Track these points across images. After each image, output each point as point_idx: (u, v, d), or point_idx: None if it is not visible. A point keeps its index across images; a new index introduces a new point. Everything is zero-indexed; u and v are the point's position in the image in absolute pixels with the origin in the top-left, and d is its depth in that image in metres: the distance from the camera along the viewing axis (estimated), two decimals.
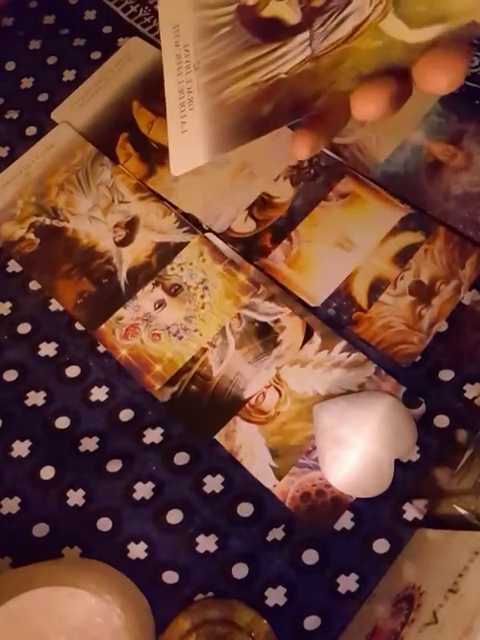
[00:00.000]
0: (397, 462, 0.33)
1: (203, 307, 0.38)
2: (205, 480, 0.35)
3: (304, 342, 0.37)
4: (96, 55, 0.46)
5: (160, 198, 0.41)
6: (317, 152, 0.24)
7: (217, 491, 0.34)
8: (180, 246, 0.39)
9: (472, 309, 0.37)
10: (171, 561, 0.33)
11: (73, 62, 0.46)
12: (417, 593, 0.28)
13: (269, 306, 0.38)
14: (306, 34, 0.22)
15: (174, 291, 0.38)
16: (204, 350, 0.37)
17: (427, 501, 0.33)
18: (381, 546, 0.33)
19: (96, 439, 0.36)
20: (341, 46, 0.21)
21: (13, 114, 0.45)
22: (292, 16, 0.22)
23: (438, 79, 0.20)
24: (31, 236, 0.41)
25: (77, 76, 0.45)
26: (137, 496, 0.35)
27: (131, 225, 0.40)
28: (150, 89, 0.44)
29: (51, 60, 0.46)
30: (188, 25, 0.24)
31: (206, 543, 0.34)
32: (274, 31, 0.23)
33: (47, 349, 0.38)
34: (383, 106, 0.21)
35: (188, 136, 0.24)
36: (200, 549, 0.34)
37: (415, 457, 0.34)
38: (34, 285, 0.40)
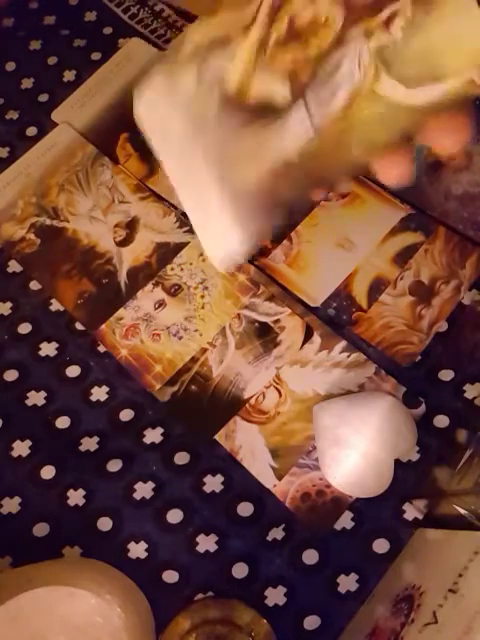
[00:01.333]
0: (397, 462, 0.33)
1: (203, 307, 0.38)
2: (205, 480, 0.35)
3: (304, 342, 0.37)
4: (96, 56, 0.46)
5: (160, 198, 0.41)
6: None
7: (217, 491, 0.34)
8: (180, 246, 0.39)
9: (472, 309, 0.37)
10: (171, 561, 0.33)
11: (73, 63, 0.46)
12: (417, 593, 0.28)
13: (269, 306, 0.38)
14: (302, 110, 0.21)
15: (174, 291, 0.38)
16: (204, 350, 0.37)
17: (427, 501, 0.33)
18: (381, 546, 0.33)
19: (96, 439, 0.36)
20: (342, 116, 0.20)
21: (13, 114, 0.45)
22: (282, 93, 0.21)
23: (447, 142, 0.20)
24: (31, 236, 0.41)
25: (77, 77, 0.45)
26: (137, 496, 0.35)
27: (131, 225, 0.40)
28: None
29: (51, 61, 0.46)
30: (180, 125, 0.23)
31: (206, 543, 0.34)
32: (268, 112, 0.22)
33: (47, 349, 0.38)
34: (408, 170, 0.21)
35: (217, 229, 0.23)
36: (200, 549, 0.34)
37: (415, 457, 0.34)
38: (34, 285, 0.40)
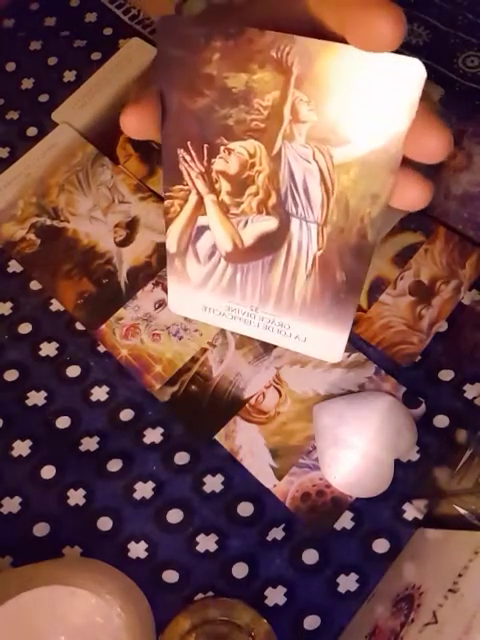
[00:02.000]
0: (397, 462, 0.33)
1: None
2: (205, 480, 0.35)
3: None
4: (96, 56, 0.46)
5: (160, 198, 0.41)
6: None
7: (217, 491, 0.35)
8: None
9: (472, 309, 0.37)
10: (171, 561, 0.33)
11: (74, 63, 0.46)
12: (417, 593, 0.28)
13: None
14: (296, 221, 0.22)
15: None
16: (204, 350, 0.37)
17: (427, 501, 0.33)
18: (381, 546, 0.33)
19: (96, 439, 0.36)
20: (330, 201, 0.22)
21: (14, 115, 0.45)
22: (268, 224, 0.23)
23: (432, 148, 0.21)
24: (32, 236, 0.41)
25: (78, 77, 0.45)
26: (137, 496, 0.35)
27: (131, 225, 0.40)
28: None
29: (52, 61, 0.46)
30: (214, 300, 0.26)
31: (206, 543, 0.34)
32: (271, 244, 0.23)
33: (47, 349, 0.38)
34: (427, 190, 0.22)
35: (314, 339, 0.26)
36: (200, 549, 0.34)
37: (415, 457, 0.34)
38: (35, 285, 0.40)
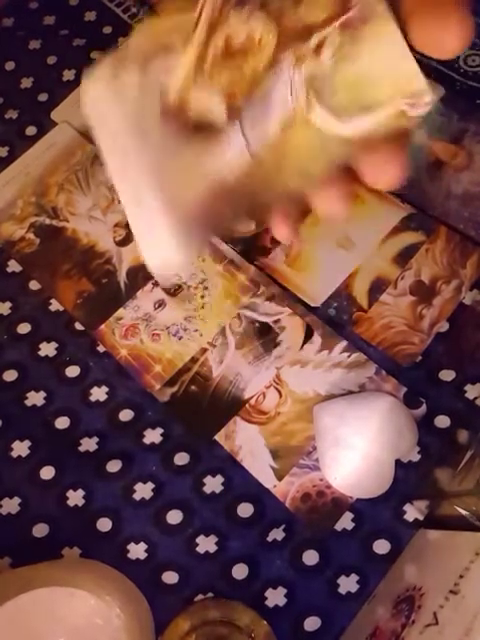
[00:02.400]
0: (398, 462, 0.33)
1: (203, 307, 0.38)
2: (205, 480, 0.35)
3: (304, 342, 0.37)
4: (96, 55, 0.46)
5: None
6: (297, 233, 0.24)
7: (217, 491, 0.34)
8: None
9: (473, 309, 0.37)
10: (171, 561, 0.33)
11: (73, 62, 0.46)
12: (418, 594, 0.28)
13: (269, 306, 0.37)
14: (238, 131, 0.21)
15: (174, 291, 0.38)
16: (204, 350, 0.37)
17: (428, 502, 0.33)
18: (382, 547, 0.33)
19: (96, 439, 0.36)
20: (276, 142, 0.20)
21: (13, 114, 0.45)
22: (218, 111, 0.21)
23: (381, 178, 0.20)
24: (31, 236, 0.40)
25: (77, 76, 0.45)
26: (137, 496, 0.35)
27: None
28: None
29: (51, 60, 0.46)
30: (123, 129, 0.23)
31: (206, 544, 0.33)
32: (205, 128, 0.22)
33: (47, 349, 0.38)
34: (345, 206, 0.21)
35: (157, 237, 0.23)
36: (200, 549, 0.33)
37: (416, 458, 0.34)
38: (34, 285, 0.40)
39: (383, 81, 0.18)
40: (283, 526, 0.34)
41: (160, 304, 0.38)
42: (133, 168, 0.23)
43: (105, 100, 0.23)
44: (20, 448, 0.36)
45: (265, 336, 0.37)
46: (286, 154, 0.20)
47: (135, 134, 0.23)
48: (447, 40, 0.17)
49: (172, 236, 0.22)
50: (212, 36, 0.20)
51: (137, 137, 0.22)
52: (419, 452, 0.34)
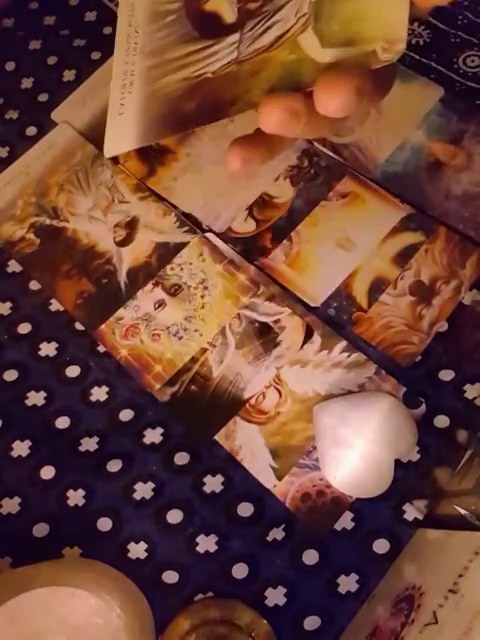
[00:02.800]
0: (397, 462, 0.33)
1: (203, 307, 0.38)
2: (205, 480, 0.35)
3: (304, 342, 0.37)
4: (96, 55, 0.46)
5: (160, 198, 0.41)
6: (251, 167, 0.24)
7: (217, 491, 0.34)
8: (180, 246, 0.39)
9: (472, 309, 0.37)
10: (171, 561, 0.33)
11: (73, 62, 0.46)
12: (417, 593, 0.28)
13: (269, 306, 0.38)
14: (237, 36, 0.22)
15: (174, 291, 0.38)
16: (204, 350, 0.37)
17: (427, 501, 0.33)
18: (381, 546, 0.33)
19: (96, 439, 0.36)
20: (262, 54, 0.21)
21: (13, 114, 0.45)
22: (229, 14, 0.23)
23: (327, 102, 0.20)
24: (31, 236, 0.41)
25: (77, 76, 0.45)
26: (137, 496, 0.35)
27: (131, 225, 0.40)
28: None
29: (51, 60, 0.46)
30: (142, 6, 0.25)
31: (206, 543, 0.34)
32: (211, 27, 0.23)
33: (47, 349, 0.38)
34: (284, 121, 0.21)
35: (124, 119, 0.24)
36: (200, 549, 0.33)
37: (415, 457, 0.34)
38: (34, 285, 0.40)
39: (373, 20, 0.20)
40: (283, 526, 0.34)
41: (160, 304, 0.38)
42: (135, 49, 0.24)
43: None
44: (20, 448, 0.36)
45: (265, 336, 0.37)
46: (264, 67, 0.21)
47: (154, 11, 0.24)
48: None
49: (135, 127, 0.23)
50: None
51: (154, 15, 0.24)
52: (419, 452, 0.34)
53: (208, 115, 0.22)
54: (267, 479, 0.34)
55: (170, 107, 0.23)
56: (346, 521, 0.33)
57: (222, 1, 0.23)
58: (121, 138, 0.24)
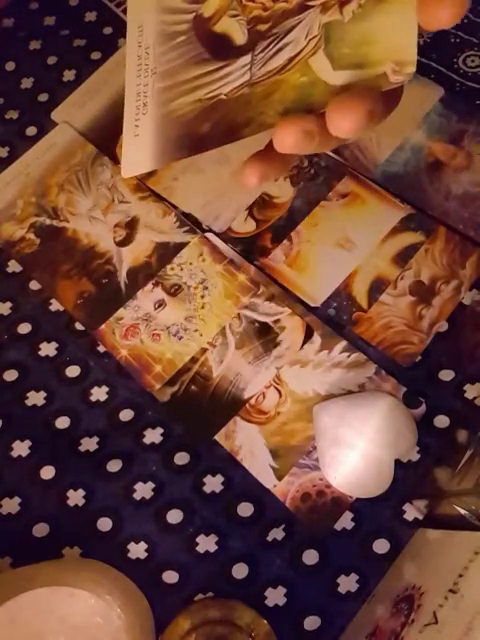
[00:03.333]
0: (397, 462, 0.33)
1: (203, 307, 0.38)
2: (205, 480, 0.35)
3: (304, 342, 0.37)
4: (96, 55, 0.46)
5: (160, 198, 0.41)
6: (268, 181, 0.25)
7: (217, 491, 0.34)
8: (180, 246, 0.39)
9: (472, 309, 0.37)
10: (171, 561, 0.33)
11: (73, 62, 0.46)
12: (417, 593, 0.28)
13: (269, 306, 0.38)
14: (248, 58, 0.23)
15: (174, 291, 0.38)
16: (204, 350, 0.37)
17: (427, 501, 0.33)
18: (381, 546, 0.33)
19: (96, 439, 0.36)
20: (274, 77, 0.22)
21: (13, 114, 0.45)
22: (239, 36, 0.23)
23: (340, 124, 0.21)
24: (31, 236, 0.41)
25: (77, 76, 0.45)
26: (137, 496, 0.35)
27: (131, 225, 0.40)
28: None
29: (51, 60, 0.46)
30: (151, 27, 0.25)
31: (206, 543, 0.34)
32: (222, 49, 0.24)
33: (47, 349, 0.38)
34: (300, 142, 0.21)
35: (139, 140, 0.24)
36: (200, 549, 0.33)
37: (415, 457, 0.34)
38: (34, 285, 0.40)
39: (383, 43, 0.20)
40: (283, 526, 0.34)
41: (160, 304, 0.38)
42: (147, 70, 0.25)
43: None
44: (20, 448, 0.36)
45: (265, 336, 0.37)
46: (276, 89, 0.22)
47: (163, 32, 0.25)
48: (442, 15, 0.20)
49: (151, 148, 0.24)
50: None
51: (164, 35, 0.25)
52: (419, 452, 0.34)
53: (223, 137, 0.23)
54: (267, 479, 0.34)
55: (185, 129, 0.23)
56: (346, 521, 0.33)
57: (232, 23, 0.23)
58: (138, 159, 0.24)
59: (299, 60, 0.21)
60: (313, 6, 0.21)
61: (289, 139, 0.22)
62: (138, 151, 0.24)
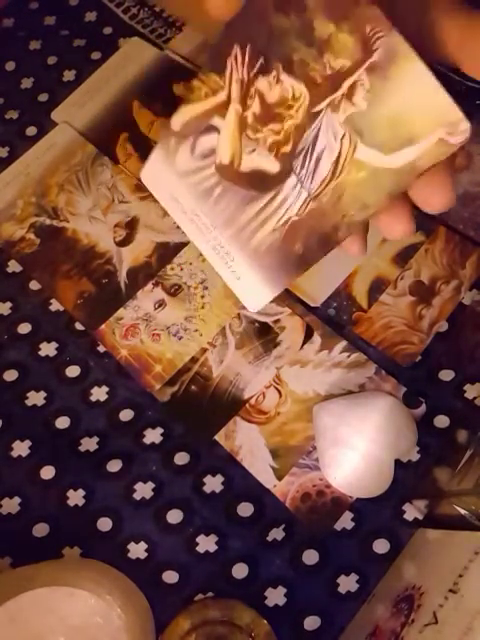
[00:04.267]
0: (397, 462, 0.33)
1: (203, 307, 0.38)
2: (205, 480, 0.35)
3: (304, 342, 0.37)
4: (96, 55, 0.46)
5: None
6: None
7: (217, 491, 0.34)
8: (180, 246, 0.39)
9: (472, 309, 0.37)
10: (171, 561, 0.33)
11: (73, 63, 0.46)
12: (417, 593, 0.28)
13: (269, 306, 0.38)
14: (294, 178, 0.22)
15: (174, 291, 0.38)
16: (204, 350, 0.37)
17: (427, 501, 0.33)
18: (381, 546, 0.33)
19: (96, 439, 0.36)
20: (331, 183, 0.22)
21: (13, 114, 0.45)
22: (271, 165, 0.23)
23: (432, 201, 0.21)
24: (31, 236, 0.41)
25: (77, 76, 0.45)
26: (137, 496, 0.35)
27: (131, 225, 0.40)
28: (150, 89, 0.44)
29: (51, 60, 0.46)
30: (183, 194, 0.25)
31: (206, 543, 0.34)
32: (262, 182, 0.23)
33: (47, 349, 0.38)
34: (408, 230, 0.22)
35: (246, 281, 0.25)
36: (200, 549, 0.34)
37: (415, 457, 0.34)
38: (34, 285, 0.40)
39: (419, 116, 0.19)
40: (283, 526, 0.34)
41: (160, 304, 0.38)
42: (208, 228, 0.25)
43: (164, 174, 0.26)
44: (20, 448, 0.36)
45: (265, 336, 0.37)
46: (343, 191, 0.21)
47: (199, 200, 0.25)
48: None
49: (261, 281, 0.25)
50: (246, 105, 0.22)
51: (201, 195, 0.25)
52: (419, 452, 0.34)
53: (320, 249, 0.23)
54: (267, 479, 0.34)
55: (280, 255, 0.24)
56: (346, 521, 0.33)
57: (254, 157, 0.23)
58: (257, 295, 0.25)
59: (345, 162, 0.21)
60: (321, 111, 0.21)
61: (399, 228, 0.22)
62: (250, 288, 0.25)
